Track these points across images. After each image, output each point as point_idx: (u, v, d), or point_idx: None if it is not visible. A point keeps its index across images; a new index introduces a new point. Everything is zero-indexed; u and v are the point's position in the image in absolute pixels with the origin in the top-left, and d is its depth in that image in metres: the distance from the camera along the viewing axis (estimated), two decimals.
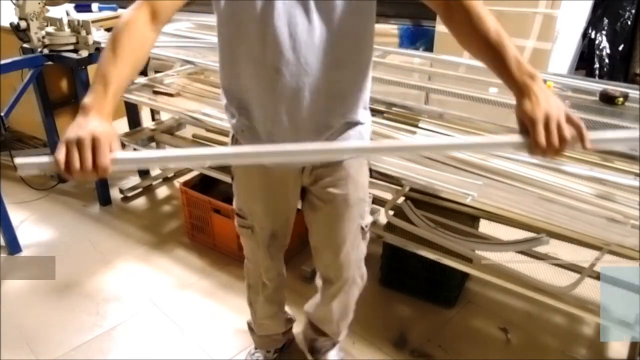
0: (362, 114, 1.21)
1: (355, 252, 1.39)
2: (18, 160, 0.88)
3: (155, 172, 2.91)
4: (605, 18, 3.38)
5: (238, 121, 1.20)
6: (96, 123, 0.86)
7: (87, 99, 0.90)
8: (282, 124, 1.13)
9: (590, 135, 0.87)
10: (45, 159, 0.86)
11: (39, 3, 2.34)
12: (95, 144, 0.84)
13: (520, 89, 0.92)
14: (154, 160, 1.01)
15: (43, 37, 2.37)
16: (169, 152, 1.02)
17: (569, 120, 0.87)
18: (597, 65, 3.38)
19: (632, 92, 1.74)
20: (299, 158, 1.12)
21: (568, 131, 0.86)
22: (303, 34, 1.04)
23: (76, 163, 0.83)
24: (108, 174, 0.86)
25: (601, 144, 0.95)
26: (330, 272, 1.44)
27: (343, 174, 1.26)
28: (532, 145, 0.87)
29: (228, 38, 1.12)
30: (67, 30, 2.36)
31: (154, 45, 1.04)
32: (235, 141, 1.27)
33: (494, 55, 0.95)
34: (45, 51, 2.37)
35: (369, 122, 1.26)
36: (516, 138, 0.89)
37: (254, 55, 1.08)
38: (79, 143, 0.83)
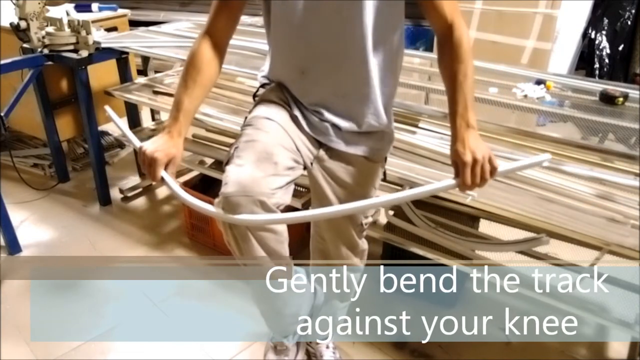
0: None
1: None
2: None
3: None
4: (605, 18, 3.38)
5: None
6: (163, 143, 1.16)
7: (166, 121, 1.20)
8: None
9: (500, 168, 1.09)
10: (137, 144, 1.20)
11: (39, 3, 2.34)
12: (151, 162, 1.15)
13: (455, 133, 1.10)
14: (187, 201, 1.20)
15: (43, 37, 2.37)
16: (201, 203, 1.20)
17: (490, 161, 1.07)
18: (597, 65, 3.38)
19: (632, 92, 1.74)
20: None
21: (488, 173, 1.07)
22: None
23: (141, 165, 1.19)
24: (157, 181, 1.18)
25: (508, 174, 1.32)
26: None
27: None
28: (460, 185, 1.09)
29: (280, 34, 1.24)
30: (67, 30, 2.36)
31: (223, 60, 1.23)
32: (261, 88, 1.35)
33: (452, 92, 1.13)
34: (45, 51, 2.37)
35: None
36: (449, 182, 1.10)
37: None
38: (142, 155, 1.15)
